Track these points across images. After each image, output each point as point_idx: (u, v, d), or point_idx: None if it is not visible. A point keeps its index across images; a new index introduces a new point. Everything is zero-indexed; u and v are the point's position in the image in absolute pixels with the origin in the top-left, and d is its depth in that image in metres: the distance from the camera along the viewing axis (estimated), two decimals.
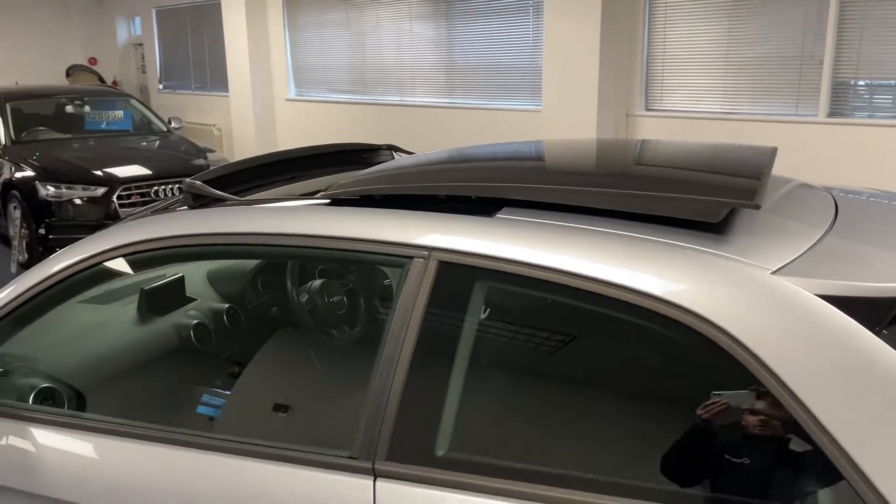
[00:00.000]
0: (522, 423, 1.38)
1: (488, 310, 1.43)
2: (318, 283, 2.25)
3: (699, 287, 1.20)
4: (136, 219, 1.85)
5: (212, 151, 6.17)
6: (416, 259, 1.41)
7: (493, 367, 1.44)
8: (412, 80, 6.86)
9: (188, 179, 1.89)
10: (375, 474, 1.31)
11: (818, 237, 1.33)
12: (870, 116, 4.46)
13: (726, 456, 1.22)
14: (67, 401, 1.96)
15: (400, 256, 1.44)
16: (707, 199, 1.36)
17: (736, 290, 1.19)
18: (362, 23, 7.15)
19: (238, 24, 7.87)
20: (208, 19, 8.98)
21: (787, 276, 1.19)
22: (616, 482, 1.20)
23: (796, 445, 1.11)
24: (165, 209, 1.93)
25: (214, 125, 8.93)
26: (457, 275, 1.39)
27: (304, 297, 2.27)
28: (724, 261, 1.23)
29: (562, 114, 5.48)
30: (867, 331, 1.10)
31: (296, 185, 2.02)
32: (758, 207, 1.33)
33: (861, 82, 4.48)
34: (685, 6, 5.09)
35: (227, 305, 2.45)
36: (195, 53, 9.44)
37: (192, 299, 2.39)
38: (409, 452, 1.32)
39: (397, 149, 2.56)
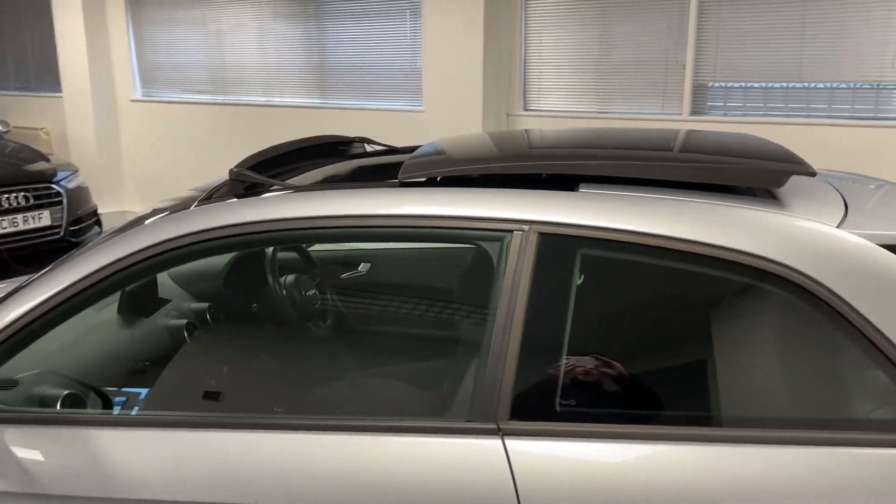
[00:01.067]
0: (627, 372, 1.52)
1: (586, 274, 1.56)
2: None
3: (784, 241, 1.41)
4: (183, 210, 1.76)
5: (51, 155, 5.77)
6: (515, 232, 1.51)
7: (597, 324, 1.57)
8: (280, 80, 6.70)
9: (235, 168, 1.83)
10: (501, 433, 1.38)
11: (844, 205, 1.58)
12: (724, 115, 5.06)
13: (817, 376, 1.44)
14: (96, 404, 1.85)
15: (502, 231, 1.53)
16: (773, 168, 1.57)
17: (815, 242, 1.41)
18: (220, 21, 6.87)
19: (73, 19, 7.24)
20: (31, 12, 8.15)
21: (847, 229, 1.43)
22: (725, 415, 1.38)
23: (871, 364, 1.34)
24: (209, 199, 1.85)
25: (42, 129, 8.12)
26: (556, 244, 1.50)
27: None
28: (797, 220, 1.45)
29: (446, 114, 5.65)
30: None
31: (307, 174, 2.02)
32: (814, 174, 1.57)
33: (718, 84, 5.07)
34: (559, 12, 5.46)
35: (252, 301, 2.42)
36: (14, 50, 8.52)
37: (168, 301, 2.33)
38: (529, 410, 1.40)
39: (370, 141, 2.61)
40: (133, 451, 1.53)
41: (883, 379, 1.34)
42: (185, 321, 2.30)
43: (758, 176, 1.56)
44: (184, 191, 2.24)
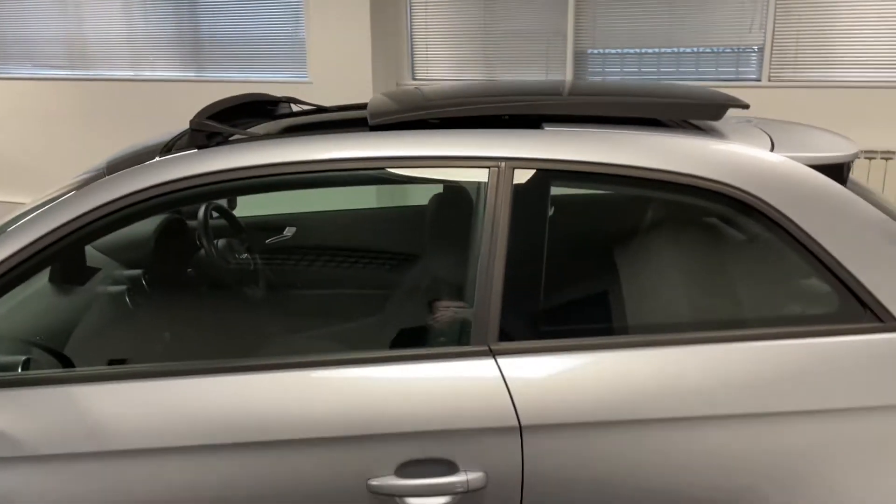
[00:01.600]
0: (600, 290, 1.67)
1: (558, 204, 1.68)
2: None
3: (734, 165, 1.60)
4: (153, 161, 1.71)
5: None
6: (492, 169, 1.60)
7: (571, 249, 1.70)
8: (149, 52, 6.36)
9: (196, 119, 1.80)
10: (493, 354, 1.49)
11: (768, 137, 1.79)
12: (604, 80, 5.36)
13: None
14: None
15: (480, 168, 1.62)
16: (713, 103, 1.75)
17: (760, 165, 1.60)
18: None
19: None
20: None
21: (780, 153, 1.64)
22: (686, 321, 1.59)
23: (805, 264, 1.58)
24: (169, 150, 1.80)
25: None
26: (531, 179, 1.61)
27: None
28: (742, 148, 1.64)
29: (334, 85, 5.60)
30: (836, 183, 1.60)
31: (260, 126, 2.02)
32: (747, 107, 1.77)
33: (596, 51, 5.36)
34: None
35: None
36: None
37: (97, 270, 2.28)
38: (515, 332, 1.52)
39: (297, 101, 2.62)
40: (113, 404, 1.52)
41: (812, 274, 1.55)
42: (125, 287, 2.22)
43: (703, 110, 1.73)
44: (66, 178, 2.17)
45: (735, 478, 1.47)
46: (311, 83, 5.71)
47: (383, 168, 1.65)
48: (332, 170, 1.64)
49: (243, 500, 1.51)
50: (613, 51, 5.31)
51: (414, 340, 1.80)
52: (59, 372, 1.62)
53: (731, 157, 1.60)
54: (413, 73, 5.76)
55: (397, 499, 1.49)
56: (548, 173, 1.62)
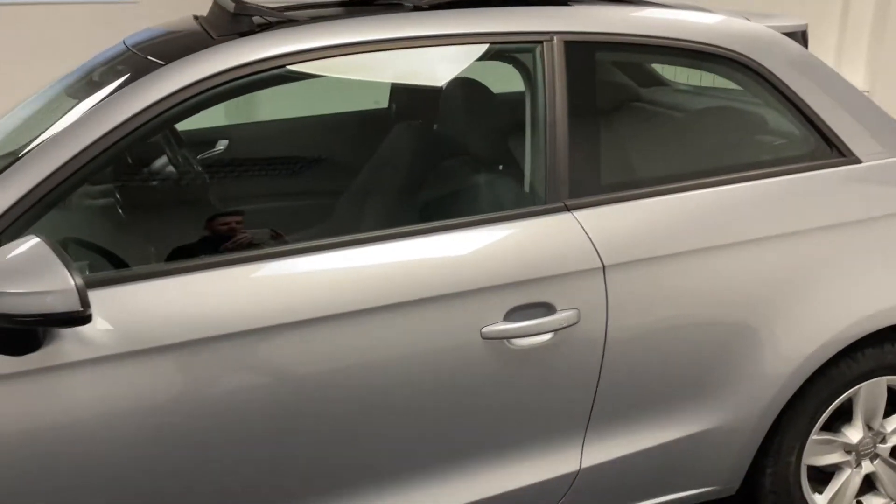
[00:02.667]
0: (649, 147, 1.96)
1: (601, 73, 1.92)
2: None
3: (737, 35, 1.93)
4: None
5: None
6: (546, 42, 1.80)
7: (622, 110, 1.96)
8: None
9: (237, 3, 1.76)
10: (568, 208, 1.72)
11: (742, 14, 2.15)
12: None
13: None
14: None
15: (533, 42, 1.81)
16: None
17: (755, 33, 1.96)
18: None
19: None
20: None
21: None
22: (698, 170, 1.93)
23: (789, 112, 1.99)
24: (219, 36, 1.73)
25: None
26: (579, 50, 1.83)
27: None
28: (740, 20, 1.99)
29: (162, 4, 5.20)
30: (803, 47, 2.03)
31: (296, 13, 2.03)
32: None
33: None
34: None
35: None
36: None
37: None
38: (583, 188, 1.76)
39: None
40: (219, 290, 1.55)
41: (792, 120, 1.95)
42: (113, 199, 2.09)
43: None
44: None
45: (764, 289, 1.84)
46: (136, 3, 5.25)
47: (456, 44, 1.75)
48: (404, 48, 1.71)
49: (365, 366, 1.59)
50: None
51: (498, 205, 1.94)
52: (170, 265, 1.60)
53: (735, 28, 1.93)
54: None
55: (506, 341, 1.67)
56: (592, 45, 1.83)
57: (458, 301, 1.64)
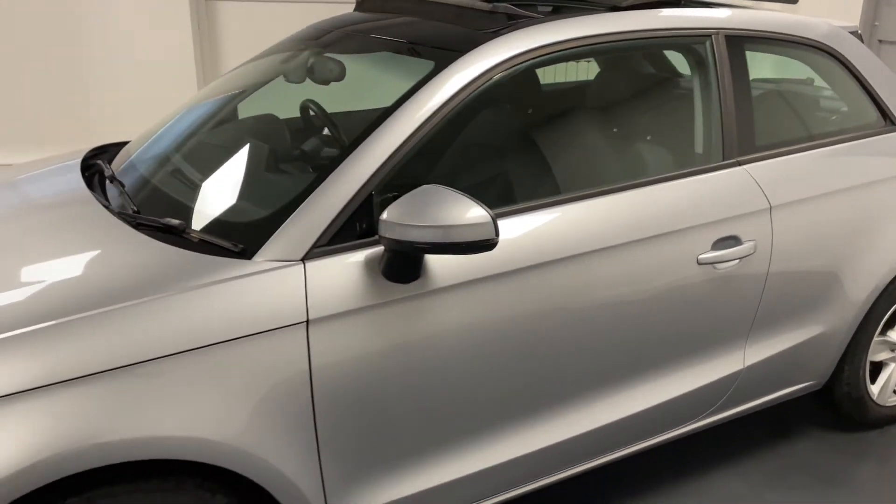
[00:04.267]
0: (773, 117, 2.61)
1: (755, 57, 2.50)
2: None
3: (830, 32, 2.59)
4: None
5: None
6: (713, 35, 2.34)
7: (754, 89, 2.53)
8: None
9: (503, 4, 2.15)
10: (739, 163, 2.30)
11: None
12: None
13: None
14: None
15: (703, 36, 2.34)
16: None
17: (832, 29, 2.62)
18: None
19: None
20: None
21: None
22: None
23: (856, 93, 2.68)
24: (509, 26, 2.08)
25: None
26: (734, 43, 2.39)
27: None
28: (822, 21, 2.64)
29: None
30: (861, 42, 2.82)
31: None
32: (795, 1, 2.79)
33: None
34: None
35: None
36: None
37: None
38: (745, 147, 2.36)
39: None
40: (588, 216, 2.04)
41: (859, 96, 2.63)
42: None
43: None
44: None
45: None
46: None
47: (647, 38, 2.28)
48: (614, 41, 2.18)
49: (615, 285, 2.04)
50: None
51: (683, 164, 2.41)
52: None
53: (824, 28, 2.59)
54: None
55: (713, 266, 2.18)
56: (742, 38, 2.42)
57: (679, 236, 2.12)
